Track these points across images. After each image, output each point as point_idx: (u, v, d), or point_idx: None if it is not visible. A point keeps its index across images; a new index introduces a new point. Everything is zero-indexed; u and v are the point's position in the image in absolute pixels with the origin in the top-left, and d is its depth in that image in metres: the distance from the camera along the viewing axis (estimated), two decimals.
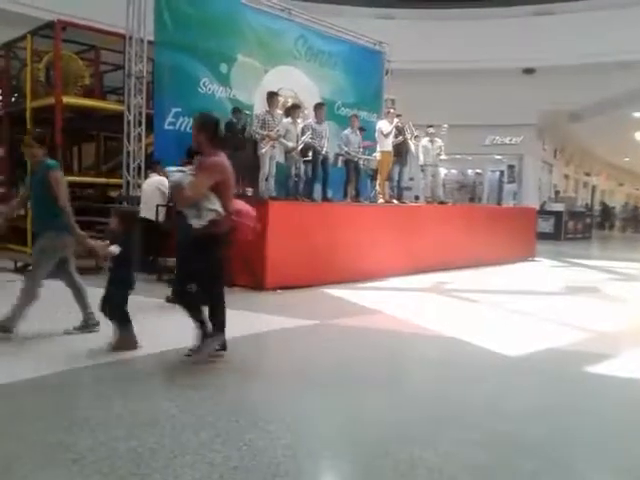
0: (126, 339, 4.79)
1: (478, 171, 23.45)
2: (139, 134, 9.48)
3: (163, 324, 5.95)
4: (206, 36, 9.79)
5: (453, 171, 21.50)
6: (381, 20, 19.93)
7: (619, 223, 34.23)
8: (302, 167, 9.56)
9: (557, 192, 26.02)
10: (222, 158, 4.49)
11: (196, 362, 4.48)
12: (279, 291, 7.70)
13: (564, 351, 5.39)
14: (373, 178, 11.44)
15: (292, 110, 9.44)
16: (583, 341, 5.79)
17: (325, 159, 9.81)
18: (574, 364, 4.95)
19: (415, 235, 9.95)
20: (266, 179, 9.10)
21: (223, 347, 4.69)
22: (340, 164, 10.74)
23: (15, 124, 11.77)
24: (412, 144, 11.00)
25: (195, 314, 4.55)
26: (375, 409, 3.87)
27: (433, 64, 19.53)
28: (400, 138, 10.73)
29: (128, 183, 9.48)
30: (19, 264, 9.19)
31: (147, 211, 8.59)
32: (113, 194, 11.84)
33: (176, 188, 4.44)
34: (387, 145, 10.53)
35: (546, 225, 20.02)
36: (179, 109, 9.49)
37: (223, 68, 10.17)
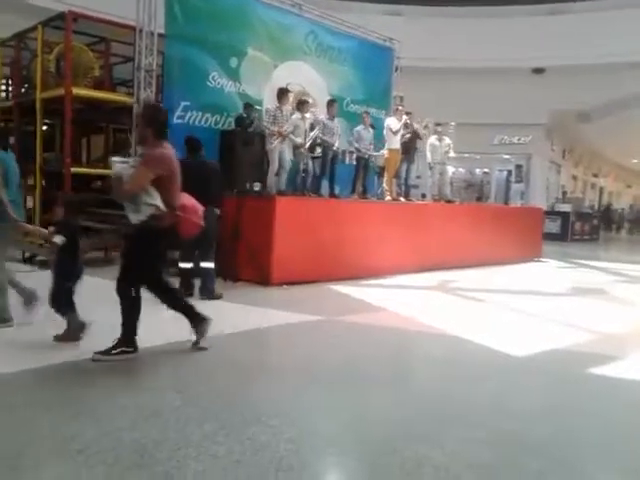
0: (68, 331, 4.66)
1: (486, 170, 23.34)
2: None
3: (167, 317, 5.95)
4: (216, 30, 9.76)
5: (461, 170, 21.39)
6: (391, 17, 19.85)
7: (627, 225, 34.06)
8: (310, 163, 9.56)
9: (565, 193, 25.90)
10: (168, 151, 4.34)
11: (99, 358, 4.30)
12: (285, 286, 7.71)
13: (570, 352, 5.37)
14: (380, 175, 11.43)
15: (301, 105, 9.44)
16: (589, 342, 5.78)
17: (335, 156, 9.82)
18: (580, 365, 4.94)
19: (421, 233, 9.93)
20: (276, 174, 9.10)
21: (135, 349, 4.47)
22: (348, 160, 10.75)
23: (25, 114, 11.81)
24: (424, 133, 10.94)
25: (127, 309, 4.42)
26: (380, 406, 3.87)
27: (442, 62, 19.45)
28: (408, 136, 10.71)
29: None
30: (27, 254, 9.23)
31: None
32: None
33: (116, 180, 4.27)
34: (395, 142, 10.51)
35: (553, 226, 19.93)
36: (188, 103, 9.47)
37: (233, 62, 10.14)
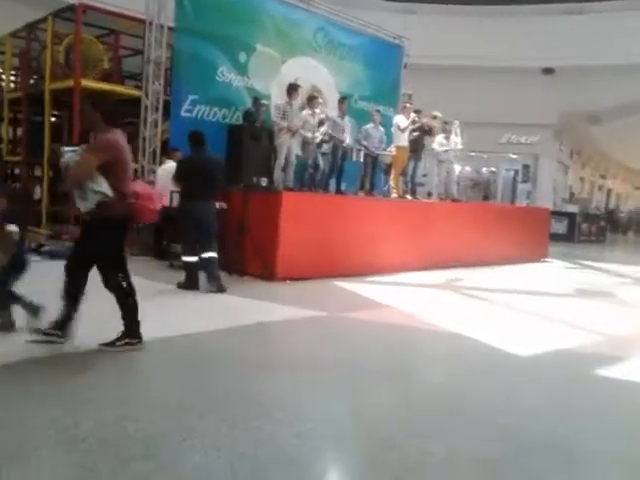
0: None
1: (492, 169, 23.26)
2: (155, 120, 9.51)
3: (172, 309, 5.99)
4: (226, 24, 9.77)
5: (467, 168, 21.32)
6: (401, 14, 19.80)
7: (634, 227, 33.94)
8: (320, 159, 9.56)
9: (572, 194, 25.81)
10: (115, 136, 4.20)
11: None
12: (289, 282, 7.72)
13: (575, 352, 5.37)
14: (387, 172, 11.41)
15: (310, 101, 9.44)
16: (594, 343, 5.76)
17: (344, 152, 9.83)
18: (584, 366, 4.93)
19: (427, 231, 9.92)
20: (282, 169, 9.11)
21: (140, 340, 4.40)
22: (355, 158, 10.74)
23: (34, 106, 11.85)
24: (434, 126, 10.91)
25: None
26: (383, 402, 3.89)
27: (452, 60, 19.41)
28: (416, 134, 10.68)
29: (143, 168, 9.51)
30: (33, 244, 9.26)
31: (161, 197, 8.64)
32: None
33: (65, 168, 4.20)
34: (403, 140, 10.48)
35: (559, 226, 19.87)
36: (196, 97, 9.50)
37: (242, 57, 10.16)
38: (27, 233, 4.83)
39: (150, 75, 9.39)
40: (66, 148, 4.46)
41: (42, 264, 8.20)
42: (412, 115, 10.57)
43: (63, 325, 4.25)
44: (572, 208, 21.71)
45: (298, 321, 5.92)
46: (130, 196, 4.25)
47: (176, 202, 7.94)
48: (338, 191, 9.84)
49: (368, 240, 8.77)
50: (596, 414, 3.89)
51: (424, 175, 12.52)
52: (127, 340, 4.35)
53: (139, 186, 4.50)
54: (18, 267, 4.58)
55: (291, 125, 8.96)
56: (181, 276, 6.96)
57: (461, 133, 11.73)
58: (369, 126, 10.40)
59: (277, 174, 9.10)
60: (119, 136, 4.24)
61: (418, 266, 9.52)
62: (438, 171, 11.73)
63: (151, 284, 7.12)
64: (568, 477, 3.01)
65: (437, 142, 11.42)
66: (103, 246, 4.22)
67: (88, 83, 10.24)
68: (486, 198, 19.52)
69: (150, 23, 9.32)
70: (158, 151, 9.52)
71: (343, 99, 10.19)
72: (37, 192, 12.62)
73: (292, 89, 9.19)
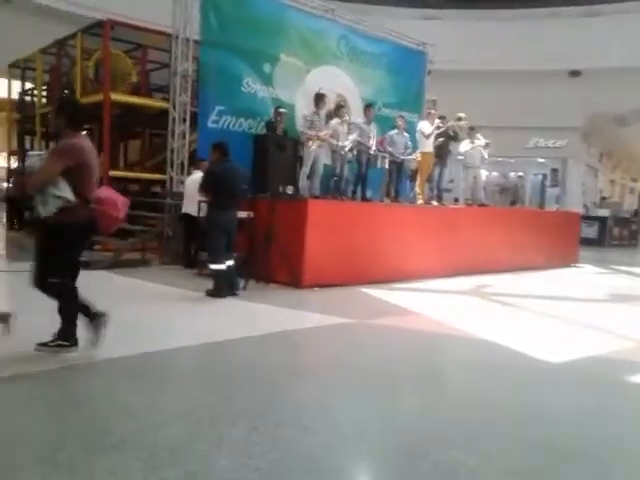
0: None
1: (520, 174, 23.00)
2: (183, 131, 9.66)
3: (201, 317, 6.06)
4: (250, 36, 9.89)
5: (494, 174, 21.14)
6: (426, 21, 19.79)
7: None
8: (347, 167, 9.60)
9: (603, 198, 25.35)
10: (80, 140, 4.15)
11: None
12: (316, 289, 7.74)
13: (607, 359, 5.27)
14: (412, 179, 11.38)
15: (338, 110, 9.50)
16: (626, 350, 5.65)
17: (369, 159, 9.86)
18: (616, 372, 4.85)
19: (454, 237, 9.85)
20: (308, 177, 9.16)
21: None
22: (380, 164, 10.73)
23: None
24: (459, 126, 10.88)
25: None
26: (413, 409, 3.86)
27: (477, 65, 19.31)
28: (441, 139, 10.65)
29: (171, 179, 9.66)
30: None
31: (189, 206, 8.75)
32: (155, 190, 12.11)
33: (29, 173, 4.14)
34: (428, 146, 10.45)
35: (590, 231, 19.54)
36: (223, 107, 9.62)
37: (266, 68, 10.26)
38: None
39: (177, 87, 9.54)
40: (30, 152, 4.46)
41: None
42: (436, 121, 10.55)
43: (68, 332, 4.25)
44: (603, 212, 21.30)
45: (326, 328, 5.93)
46: (94, 202, 4.17)
47: (203, 212, 8.05)
48: (364, 198, 9.84)
49: (394, 247, 8.76)
50: (628, 421, 3.81)
51: (450, 181, 12.46)
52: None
53: (104, 192, 4.39)
54: None
55: (320, 134, 9.01)
56: (209, 284, 7.04)
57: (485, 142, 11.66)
58: (393, 132, 10.42)
59: (302, 182, 9.15)
60: (84, 141, 4.21)
61: (445, 272, 9.46)
62: (465, 176, 11.67)
63: (180, 292, 7.24)
64: None
65: (463, 146, 11.38)
66: (64, 250, 4.15)
67: (117, 97, 10.46)
68: (514, 203, 19.30)
69: (176, 37, 9.49)
70: (186, 162, 9.65)
71: (369, 106, 10.22)
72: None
73: (319, 99, 9.25)
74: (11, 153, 15.67)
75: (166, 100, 10.47)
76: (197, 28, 9.49)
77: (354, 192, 9.86)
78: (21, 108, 15.03)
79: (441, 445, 3.22)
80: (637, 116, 20.81)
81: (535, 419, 3.73)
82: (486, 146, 11.56)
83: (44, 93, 14.22)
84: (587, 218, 19.24)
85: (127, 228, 10.11)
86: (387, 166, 10.68)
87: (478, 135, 11.48)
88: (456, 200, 13.10)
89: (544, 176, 22.67)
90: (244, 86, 9.97)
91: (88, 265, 8.66)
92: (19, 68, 14.39)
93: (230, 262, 7.01)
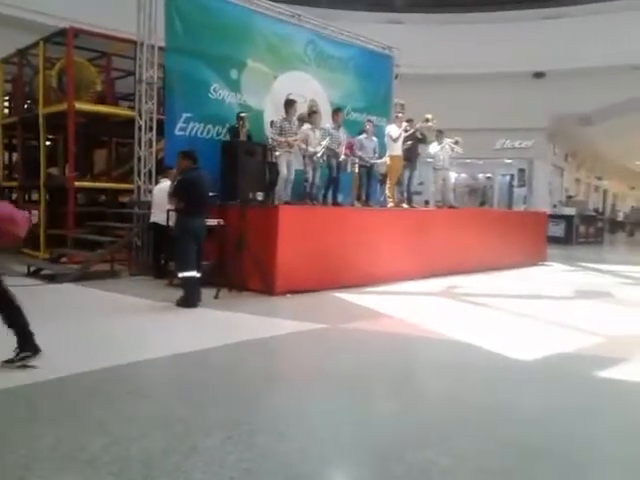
0: None
1: (488, 175, 23.34)
2: (150, 140, 9.54)
3: (173, 327, 5.99)
4: (216, 42, 9.84)
5: (463, 175, 21.42)
6: (390, 25, 19.96)
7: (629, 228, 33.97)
8: (318, 172, 9.60)
9: (570, 196, 25.84)
10: None
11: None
12: (289, 295, 7.71)
13: (576, 355, 5.36)
14: (382, 182, 11.45)
15: (311, 116, 9.49)
16: (595, 345, 5.76)
17: (339, 164, 9.87)
18: (587, 368, 4.92)
19: (425, 239, 9.93)
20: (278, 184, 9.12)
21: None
22: (350, 169, 10.77)
23: (28, 130, 11.90)
24: (428, 127, 10.96)
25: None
26: (387, 412, 3.87)
27: (443, 68, 19.54)
28: (410, 142, 10.73)
29: (139, 188, 9.54)
30: (32, 268, 9.27)
31: (158, 215, 8.65)
32: (123, 199, 11.95)
33: None
34: (396, 149, 10.53)
35: (557, 229, 19.89)
36: (190, 114, 9.54)
37: (233, 74, 10.21)
38: None
39: (143, 95, 9.44)
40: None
41: (41, 288, 8.22)
42: (404, 124, 10.63)
43: (27, 342, 4.19)
44: (569, 210, 21.72)
45: (300, 334, 5.91)
46: None
47: (172, 221, 7.97)
48: (335, 203, 9.85)
49: (366, 251, 8.78)
50: (599, 416, 3.87)
51: (420, 183, 12.57)
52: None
53: (2, 208, 4.25)
54: None
55: (290, 140, 8.99)
56: (180, 294, 6.97)
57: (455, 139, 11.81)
58: (362, 137, 10.46)
59: (279, 188, 9.11)
60: None
61: (417, 275, 9.52)
62: (434, 179, 11.78)
63: (151, 303, 7.14)
64: None
65: (431, 148, 11.49)
66: None
67: (82, 106, 10.30)
68: (483, 204, 19.59)
69: (141, 44, 9.38)
70: (154, 171, 9.54)
71: (338, 110, 10.24)
72: (34, 217, 12.64)
73: (288, 105, 9.23)
74: None
75: (132, 108, 10.34)
76: (162, 35, 9.39)
77: (325, 197, 9.86)
78: None
79: (415, 446, 3.23)
80: (601, 116, 21.28)
81: (507, 418, 3.77)
82: (456, 143, 11.69)
83: (6, 104, 13.93)
84: (554, 217, 19.58)
85: (95, 239, 9.97)
86: (357, 170, 10.73)
87: (446, 138, 11.61)
88: (426, 202, 13.22)
89: (511, 177, 23.07)
90: (211, 92, 9.90)
91: (54, 278, 8.53)
92: None
93: (197, 273, 6.94)
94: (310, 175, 9.44)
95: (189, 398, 3.95)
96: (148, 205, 9.08)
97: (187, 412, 3.63)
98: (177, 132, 9.42)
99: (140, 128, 9.47)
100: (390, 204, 10.67)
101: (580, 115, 21.50)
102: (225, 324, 6.28)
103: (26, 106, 12.47)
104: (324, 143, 9.40)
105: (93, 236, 10.19)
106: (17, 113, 12.60)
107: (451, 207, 11.59)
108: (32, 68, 11.88)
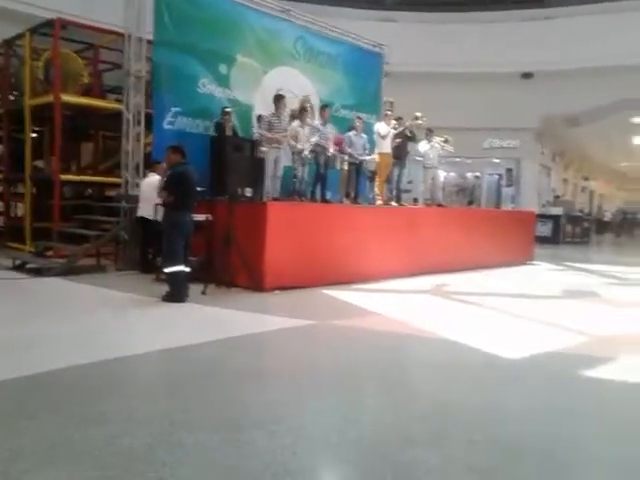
0: None
1: (477, 174, 23.44)
2: (138, 133, 9.45)
3: (160, 323, 5.94)
4: (206, 36, 9.76)
5: (452, 174, 21.50)
6: (382, 22, 19.93)
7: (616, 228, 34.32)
8: (307, 168, 9.56)
9: (557, 196, 26.02)
10: None
11: None
12: (277, 292, 7.68)
13: (562, 354, 5.37)
14: (371, 180, 11.44)
15: (301, 113, 9.45)
16: (581, 344, 5.78)
17: (327, 161, 9.84)
18: (572, 367, 4.94)
19: (414, 237, 9.94)
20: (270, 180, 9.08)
21: None
22: (339, 166, 10.75)
23: (14, 122, 11.75)
24: (417, 124, 10.94)
25: None
26: (375, 410, 3.86)
27: (433, 67, 19.54)
28: (399, 140, 10.72)
29: (127, 182, 9.45)
30: (17, 262, 9.16)
31: (145, 210, 8.59)
32: (109, 193, 11.84)
33: None
34: (385, 147, 10.51)
35: (544, 229, 20.01)
36: (178, 109, 9.46)
37: (222, 68, 10.14)
38: None
39: (131, 88, 9.35)
40: None
41: (27, 281, 8.13)
42: (392, 122, 10.62)
43: None
44: (556, 210, 21.86)
45: (288, 330, 5.88)
46: None
47: (160, 215, 7.90)
48: (323, 200, 9.83)
49: (355, 248, 8.77)
50: (584, 416, 3.88)
51: (409, 182, 12.58)
52: None
53: None
54: None
55: (277, 136, 8.94)
56: (166, 289, 6.92)
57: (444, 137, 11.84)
58: (351, 133, 10.43)
59: (267, 185, 9.07)
60: None
61: (406, 272, 9.53)
62: (424, 177, 11.79)
63: (137, 298, 7.08)
64: None
65: (421, 146, 11.50)
66: None
67: (68, 98, 10.18)
68: (471, 203, 19.67)
69: (129, 36, 9.29)
70: (141, 164, 9.46)
71: (325, 106, 10.23)
72: (20, 210, 12.52)
73: (277, 100, 9.19)
74: None
75: (119, 101, 10.24)
76: (150, 28, 9.30)
77: (313, 193, 9.83)
78: None
79: (402, 445, 3.22)
80: (589, 117, 21.42)
81: (495, 417, 3.77)
82: (446, 142, 11.72)
83: None
84: (541, 217, 19.70)
85: (81, 233, 9.87)
86: (346, 167, 10.70)
87: (435, 137, 11.63)
88: (415, 200, 13.24)
89: (499, 176, 23.18)
90: (200, 87, 9.83)
91: (39, 272, 8.43)
92: None
93: (185, 267, 6.90)
94: (299, 171, 9.42)
95: (175, 394, 3.92)
96: (135, 199, 9.00)
97: (173, 408, 3.59)
98: (165, 126, 9.35)
99: (128, 122, 9.38)
100: (379, 202, 10.66)
101: (568, 116, 21.64)
102: (213, 320, 6.24)
103: (12, 97, 12.30)
104: (312, 140, 9.37)
105: (79, 230, 10.09)
106: (3, 104, 12.43)
107: (440, 205, 11.61)
108: (19, 59, 11.72)
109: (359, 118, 10.78)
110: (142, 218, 8.71)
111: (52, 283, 7.96)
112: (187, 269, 6.92)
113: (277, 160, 9.07)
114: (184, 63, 9.51)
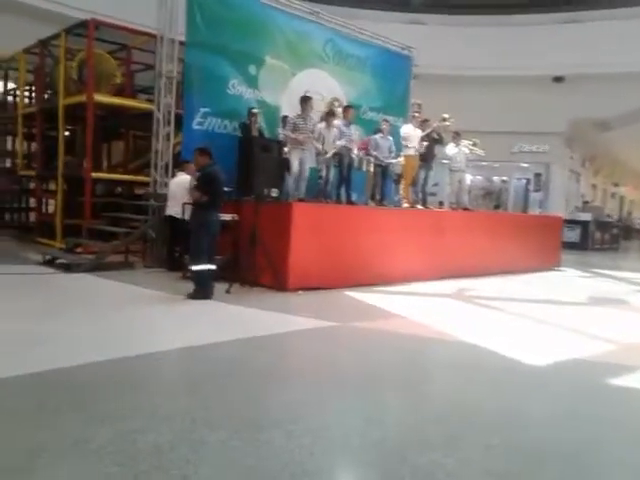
0: None
1: (504, 178, 23.20)
2: (168, 133, 9.59)
3: (185, 321, 6.02)
4: (236, 38, 9.86)
5: (479, 177, 21.31)
6: (410, 25, 19.89)
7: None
8: (332, 170, 9.58)
9: (586, 202, 25.61)
10: None
11: None
12: (301, 292, 7.73)
13: (587, 361, 5.31)
14: (397, 182, 11.42)
15: (328, 117, 9.46)
16: (607, 352, 5.71)
17: (351, 162, 9.83)
18: (597, 375, 4.89)
19: (439, 241, 9.90)
20: (293, 181, 9.12)
21: None
22: (365, 167, 10.75)
23: (47, 120, 12.01)
24: (444, 126, 10.91)
25: None
26: (395, 412, 3.87)
27: (462, 70, 19.45)
28: (426, 143, 10.68)
29: (155, 181, 9.60)
30: (47, 257, 9.37)
31: (173, 209, 8.71)
32: (139, 192, 12.03)
33: None
34: (412, 149, 10.48)
35: (572, 234, 19.73)
36: (208, 109, 9.58)
37: (252, 70, 10.23)
38: None
39: (162, 89, 9.48)
40: None
41: (56, 277, 8.31)
42: (434, 125, 10.61)
43: None
44: (585, 216, 21.53)
45: (310, 331, 5.92)
46: None
47: (188, 214, 8.01)
48: (349, 202, 9.84)
49: (379, 250, 8.77)
50: (609, 423, 3.84)
51: (435, 184, 12.52)
52: None
53: None
54: None
55: (301, 138, 8.98)
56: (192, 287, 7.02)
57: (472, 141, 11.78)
58: (377, 136, 10.41)
59: (289, 185, 9.13)
60: None
61: (430, 276, 9.50)
62: (450, 180, 11.72)
63: (163, 295, 7.19)
64: None
65: (449, 149, 11.44)
66: None
67: (101, 98, 10.37)
68: (498, 207, 19.45)
69: (161, 38, 9.42)
70: (170, 164, 9.59)
71: (348, 107, 10.15)
72: (51, 206, 12.78)
73: (303, 101, 9.23)
74: None
75: (150, 101, 10.40)
76: (182, 29, 9.43)
77: (338, 195, 9.85)
78: (3, 108, 14.87)
79: (421, 447, 3.23)
80: (620, 122, 21.07)
81: (515, 422, 3.75)
82: (474, 145, 11.65)
83: (26, 93, 14.07)
84: (569, 222, 19.42)
85: (110, 230, 10.05)
86: (372, 169, 10.70)
87: (463, 140, 11.57)
88: (441, 204, 13.16)
89: (527, 180, 22.91)
90: (229, 88, 9.94)
91: (69, 268, 8.61)
92: (1, 68, 14.24)
93: (212, 266, 7.00)
94: (324, 173, 9.44)
95: (197, 392, 3.98)
96: (164, 198, 9.14)
97: (194, 406, 3.65)
98: (195, 126, 9.46)
99: (158, 121, 9.52)
100: (405, 204, 10.63)
101: (599, 120, 21.31)
102: (236, 319, 6.31)
103: (46, 96, 12.58)
104: (338, 143, 9.37)
105: (108, 227, 10.28)
106: (37, 103, 12.73)
107: (465, 209, 11.54)
108: (53, 59, 11.98)
109: (385, 121, 10.77)
110: (170, 217, 8.84)
111: (81, 279, 8.12)
112: (213, 267, 7.02)
113: (302, 161, 9.11)
114: (215, 64, 9.63)
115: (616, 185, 34.94)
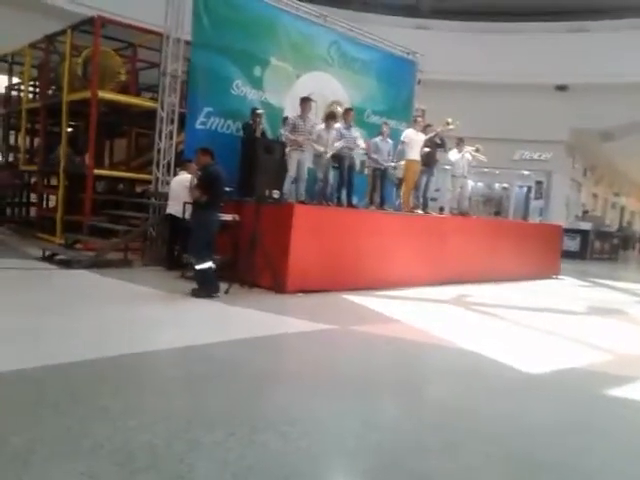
0: None
1: (505, 185, 23.18)
2: (170, 132, 9.61)
3: (182, 320, 6.02)
4: (242, 39, 9.88)
5: (479, 184, 21.29)
6: (416, 30, 19.92)
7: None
8: (332, 172, 9.58)
9: (586, 211, 25.63)
10: None
11: None
12: (299, 294, 7.73)
13: (585, 371, 5.31)
14: (398, 186, 11.41)
15: (329, 119, 9.45)
16: (605, 362, 5.71)
17: (351, 164, 9.82)
18: (595, 385, 4.89)
19: (439, 246, 9.90)
20: (292, 182, 9.13)
21: None
22: (367, 171, 10.75)
23: (51, 116, 12.02)
24: (448, 129, 10.93)
25: None
26: (392, 417, 3.87)
27: (466, 76, 19.47)
28: (427, 149, 10.68)
29: (157, 179, 9.60)
30: (47, 253, 9.37)
31: (174, 207, 8.71)
32: (139, 190, 12.04)
33: None
34: (414, 154, 10.46)
35: (572, 244, 19.75)
36: (211, 109, 9.59)
37: (257, 71, 10.25)
38: None
39: (166, 88, 9.50)
40: None
41: (55, 272, 8.31)
42: (439, 129, 10.62)
43: None
44: (585, 225, 21.55)
45: (308, 334, 5.92)
46: None
47: (188, 213, 8.02)
48: (349, 205, 9.83)
49: (379, 254, 8.78)
50: (606, 433, 3.84)
51: (437, 190, 12.52)
52: None
53: None
54: None
55: (299, 139, 8.98)
56: (192, 286, 7.02)
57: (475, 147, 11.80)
58: (378, 139, 10.38)
59: (287, 187, 9.12)
60: None
61: (429, 281, 9.50)
62: (452, 186, 11.73)
63: (162, 294, 7.19)
64: None
65: (451, 155, 11.46)
66: None
67: (105, 95, 10.39)
68: (498, 214, 19.44)
69: (167, 37, 9.45)
70: (172, 163, 9.60)
71: (349, 110, 10.12)
72: (52, 201, 12.79)
73: (303, 102, 9.22)
74: None
75: (154, 100, 10.41)
76: (189, 29, 9.45)
77: (339, 198, 9.84)
78: (7, 103, 14.88)
79: (417, 453, 3.23)
80: (623, 132, 21.09)
81: (513, 429, 3.75)
82: (477, 151, 11.67)
83: (31, 89, 14.09)
84: (569, 231, 19.42)
85: (110, 227, 10.05)
86: (366, 172, 10.68)
87: (466, 146, 11.59)
88: (441, 209, 13.16)
89: (529, 188, 22.87)
90: (233, 88, 9.95)
91: (68, 264, 8.61)
92: (6, 62, 14.25)
93: (212, 264, 7.02)
94: (321, 175, 9.43)
95: (193, 392, 3.97)
96: (165, 197, 9.14)
97: (190, 406, 3.65)
98: (198, 126, 9.48)
99: (161, 120, 9.54)
100: (405, 209, 10.63)
101: (602, 130, 21.32)
102: (234, 319, 6.31)
103: (50, 92, 12.59)
104: (337, 145, 9.36)
105: (109, 224, 10.28)
106: (41, 98, 12.74)
107: (465, 215, 11.54)
108: (59, 55, 12.00)
109: (386, 124, 10.75)
110: (170, 215, 8.84)
111: (79, 275, 8.12)
112: (213, 265, 7.03)
113: (301, 163, 9.10)
114: (220, 64, 9.64)
115: (617, 195, 34.94)
